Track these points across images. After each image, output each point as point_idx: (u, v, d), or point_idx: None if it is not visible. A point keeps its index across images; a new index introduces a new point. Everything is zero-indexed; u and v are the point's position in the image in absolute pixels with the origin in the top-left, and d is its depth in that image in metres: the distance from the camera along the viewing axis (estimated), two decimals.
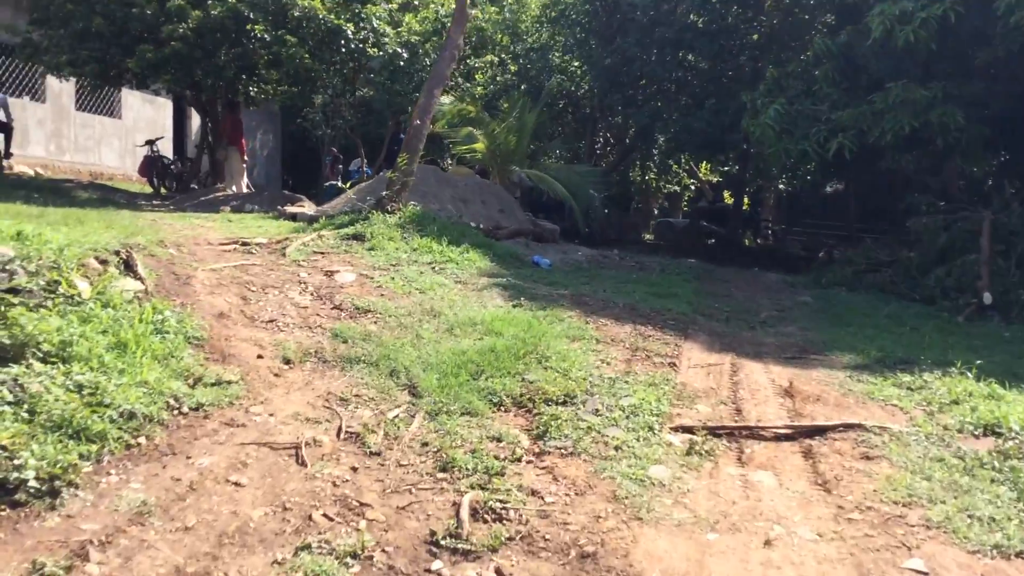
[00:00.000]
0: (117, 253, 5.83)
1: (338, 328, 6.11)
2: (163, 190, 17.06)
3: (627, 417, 4.94)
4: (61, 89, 21.33)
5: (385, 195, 10.33)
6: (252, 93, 16.22)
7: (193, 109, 18.44)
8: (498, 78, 21.06)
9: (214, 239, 8.92)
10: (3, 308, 4.27)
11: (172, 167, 17.70)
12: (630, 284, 9.87)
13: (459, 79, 18.28)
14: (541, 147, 21.48)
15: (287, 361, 5.44)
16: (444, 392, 5.07)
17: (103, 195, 15.01)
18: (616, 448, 4.51)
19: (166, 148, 24.85)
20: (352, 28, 14.43)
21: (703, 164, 27.73)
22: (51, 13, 14.20)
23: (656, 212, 29.62)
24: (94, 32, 13.90)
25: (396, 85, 15.15)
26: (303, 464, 4.07)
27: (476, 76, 18.18)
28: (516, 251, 10.71)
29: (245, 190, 16.37)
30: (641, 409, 5.06)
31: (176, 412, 4.41)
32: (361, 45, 14.67)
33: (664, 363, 6.25)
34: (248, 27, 13.82)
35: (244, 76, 15.33)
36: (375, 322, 6.47)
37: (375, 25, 14.90)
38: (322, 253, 8.82)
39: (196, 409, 4.49)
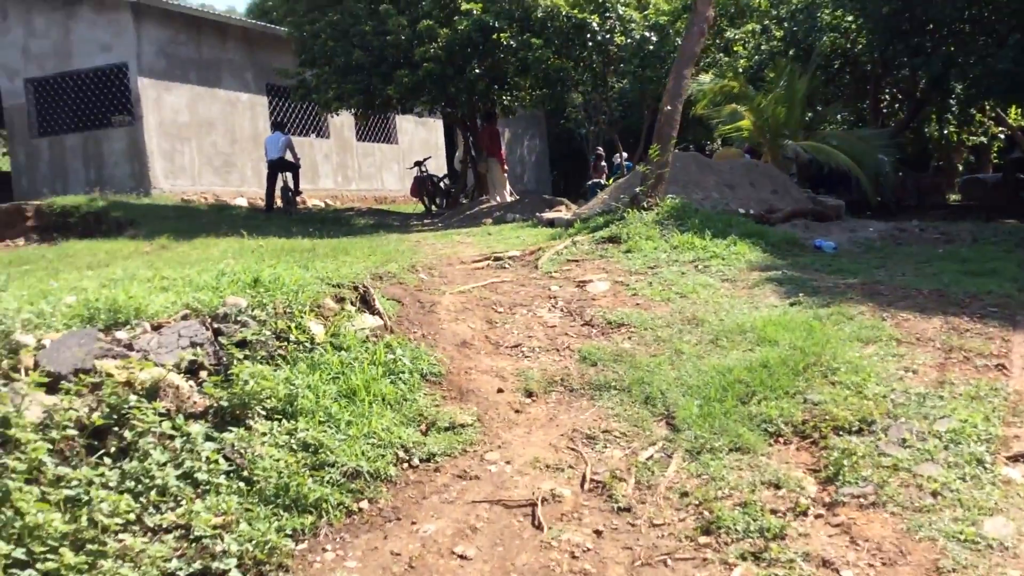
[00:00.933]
0: (355, 288, 5.64)
1: (587, 349, 5.51)
2: (434, 207, 17.53)
3: (946, 447, 3.86)
4: (342, 123, 22.82)
5: (639, 191, 9.62)
6: (506, 102, 16.18)
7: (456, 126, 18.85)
8: (762, 47, 19.52)
9: (467, 256, 8.71)
10: (228, 364, 4.12)
11: (441, 184, 18.16)
12: (935, 262, 8.34)
13: (718, 55, 17.13)
14: (817, 115, 19.63)
15: (529, 393, 4.92)
16: (707, 423, 4.29)
17: (379, 220, 15.66)
18: (934, 494, 3.49)
19: (439, 166, 25.92)
20: (597, 20, 13.86)
21: (1012, 109, 24.09)
22: (316, 53, 14.99)
23: (961, 169, 26.23)
24: (355, 65, 14.47)
25: (648, 71, 14.39)
26: (539, 527, 3.50)
27: (736, 48, 16.89)
28: (793, 236, 9.53)
29: (508, 199, 16.36)
30: (964, 435, 3.95)
31: (405, 466, 4.03)
32: (608, 36, 14.06)
33: (989, 366, 4.97)
34: (494, 36, 13.71)
35: (496, 87, 15.29)
36: (628, 338, 5.80)
37: (621, 12, 14.23)
38: (576, 261, 8.29)
39: (427, 460, 4.09)
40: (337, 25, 14.63)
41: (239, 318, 4.46)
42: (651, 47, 14.26)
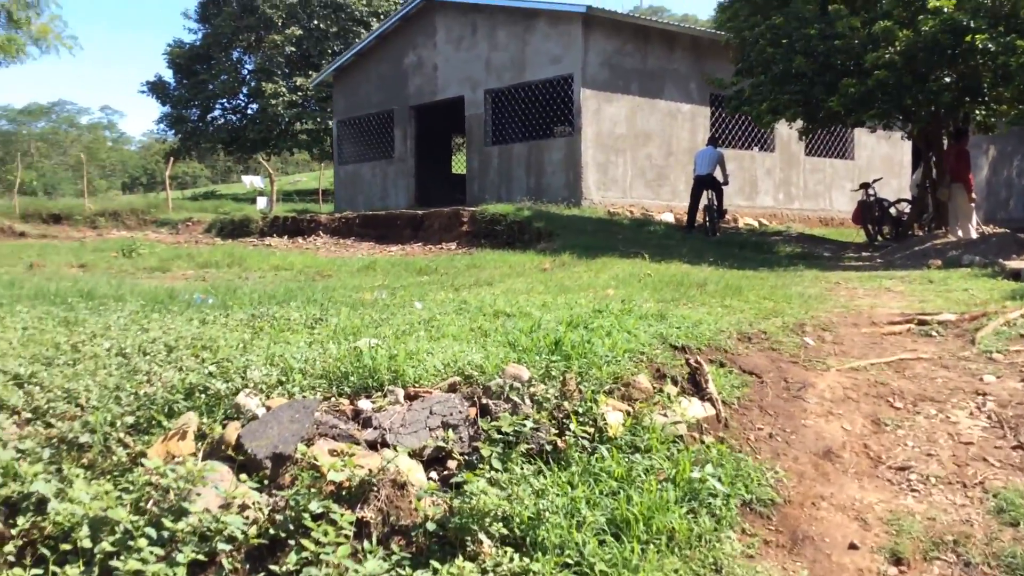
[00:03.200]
0: (688, 363, 4.44)
1: (1009, 495, 3.70)
2: (879, 238, 15.23)
3: None
4: (790, 136, 21.19)
5: None
6: (979, 117, 13.32)
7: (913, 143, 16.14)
8: None
9: (883, 315, 6.93)
10: (471, 463, 3.25)
11: (892, 210, 15.72)
12: None
13: None
14: None
15: (897, 560, 3.33)
16: None
17: (806, 249, 13.93)
18: None
19: (901, 188, 22.91)
20: None
21: None
22: (752, 60, 13.72)
23: None
24: (794, 73, 12.94)
25: None
26: None
27: None
28: None
29: (973, 235, 13.55)
30: None
31: None
32: None
33: None
34: (968, 39, 11.25)
35: (968, 99, 12.64)
36: None
37: None
38: None
39: None
40: (778, 29, 13.20)
41: (511, 396, 3.56)
42: None
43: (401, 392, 3.59)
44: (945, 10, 11.46)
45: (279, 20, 38.71)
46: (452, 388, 3.71)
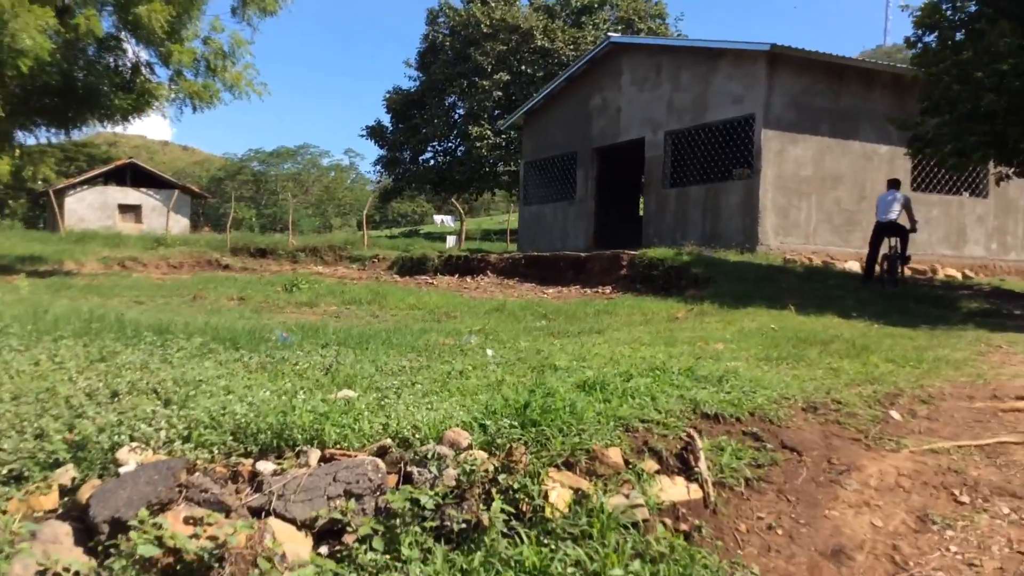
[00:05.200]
0: (689, 438, 3.96)
1: None
2: None
3: None
4: (1008, 182, 19.22)
5: None
6: None
7: None
8: None
9: (1014, 390, 5.96)
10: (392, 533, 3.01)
11: None
12: None
13: None
14: None
15: None
16: None
17: (994, 306, 12.41)
18: None
19: None
20: None
21: None
22: (938, 98, 12.50)
23: None
24: (983, 112, 11.65)
25: None
26: None
27: None
28: None
29: None
30: None
31: None
32: None
33: None
34: None
35: None
36: None
37: None
38: None
39: None
40: (967, 64, 11.97)
41: (439, 466, 3.28)
42: None
43: (316, 454, 3.41)
44: None
45: (488, 66, 40.18)
46: (382, 452, 3.48)
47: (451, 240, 26.38)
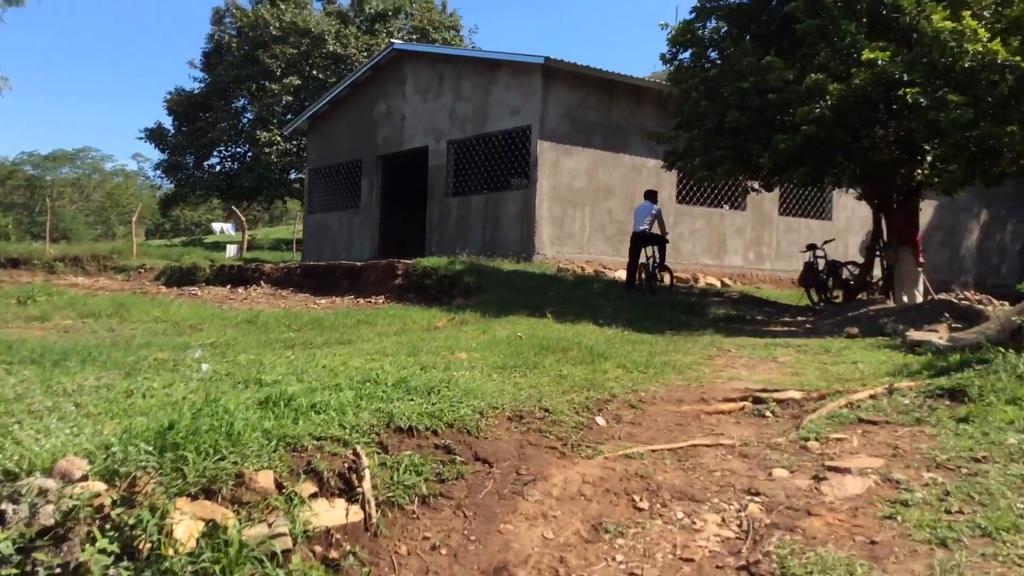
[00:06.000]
0: (356, 456, 3.75)
1: None
2: (822, 303, 14.45)
3: None
4: (763, 195, 20.60)
5: (1022, 323, 6.20)
6: (919, 177, 12.56)
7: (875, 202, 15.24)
8: None
9: (726, 391, 6.22)
10: None
11: (846, 271, 14.94)
12: None
13: None
14: None
15: None
16: None
17: (740, 312, 13.19)
18: None
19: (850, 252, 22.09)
20: None
21: None
22: (688, 114, 13.17)
23: None
24: (727, 128, 12.34)
25: None
26: None
27: None
28: None
29: (918, 298, 12.77)
30: None
31: None
32: None
33: None
34: (900, 93, 10.62)
35: (905, 158, 11.94)
36: None
37: None
38: (871, 423, 5.37)
39: None
40: (712, 82, 12.65)
41: (33, 502, 2.87)
42: None
43: None
44: (879, 62, 10.84)
45: (278, 70, 38.91)
46: None
47: (231, 249, 25.26)
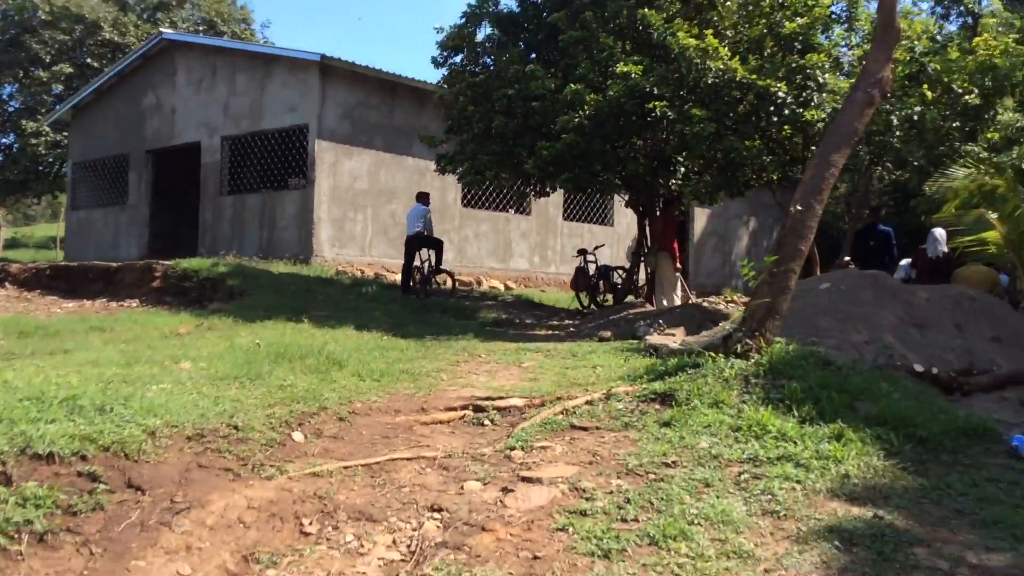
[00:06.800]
0: None
1: None
2: (592, 306, 14.86)
3: None
4: (547, 200, 20.97)
5: (732, 329, 6.49)
6: (674, 186, 13.17)
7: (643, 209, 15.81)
8: None
9: (445, 400, 6.09)
10: None
11: (616, 275, 15.42)
12: None
13: (976, 144, 13.09)
14: None
15: None
16: None
17: (510, 316, 13.28)
18: None
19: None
20: (784, 88, 10.68)
21: None
22: (455, 118, 13.14)
23: None
24: (494, 133, 12.38)
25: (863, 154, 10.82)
26: None
27: (989, 135, 12.59)
28: (981, 423, 5.74)
29: (676, 301, 13.34)
30: None
31: None
32: (799, 110, 10.82)
33: None
34: (651, 105, 11.01)
35: (661, 167, 12.44)
36: None
37: (823, 80, 10.94)
38: (582, 429, 5.39)
39: None
40: (480, 86, 12.67)
41: None
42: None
43: None
44: (632, 76, 11.18)
45: (48, 57, 35.83)
46: None
47: None
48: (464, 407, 5.87)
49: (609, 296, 15.25)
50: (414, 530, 3.85)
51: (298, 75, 18.01)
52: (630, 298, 14.73)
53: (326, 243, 17.56)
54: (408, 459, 4.72)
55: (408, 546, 3.69)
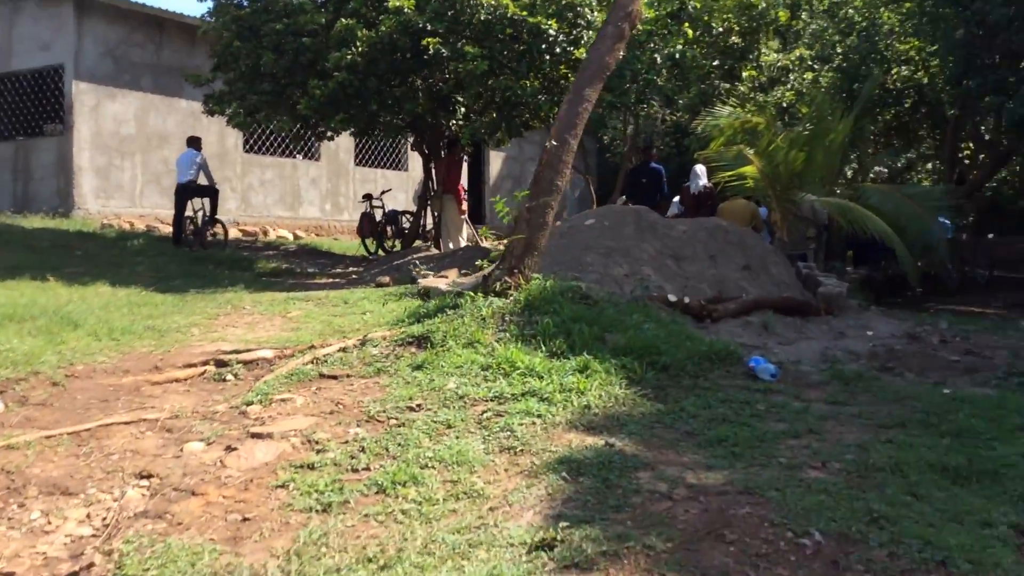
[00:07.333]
0: None
1: None
2: (381, 252, 14.55)
3: None
4: (338, 145, 20.21)
5: (488, 267, 6.43)
6: (454, 127, 12.99)
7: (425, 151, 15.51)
8: (806, 77, 15.85)
9: (186, 357, 5.67)
10: None
11: (404, 220, 15.15)
12: (912, 429, 4.56)
13: (745, 85, 13.72)
14: (870, 164, 15.81)
15: None
16: None
17: (291, 265, 12.71)
18: None
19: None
20: (555, 25, 10.67)
21: None
22: (222, 54, 12.27)
23: None
24: (264, 71, 11.65)
25: (609, 95, 11.00)
26: None
27: (748, 74, 13.25)
28: (723, 347, 6.03)
29: (463, 244, 13.27)
30: None
31: None
32: (571, 49, 10.86)
33: None
34: (425, 42, 10.68)
35: (440, 108, 12.21)
36: None
37: (592, 18, 11.02)
38: (332, 377, 5.15)
39: None
40: (246, 20, 11.84)
41: None
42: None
43: None
44: (405, 10, 10.79)
45: None
46: None
47: None
48: (206, 363, 5.47)
49: (398, 242, 14.98)
50: (115, 500, 3.49)
51: (50, 9, 16.26)
52: (419, 243, 14.53)
53: (89, 194, 16.14)
54: (126, 423, 4.31)
55: (104, 519, 3.33)
